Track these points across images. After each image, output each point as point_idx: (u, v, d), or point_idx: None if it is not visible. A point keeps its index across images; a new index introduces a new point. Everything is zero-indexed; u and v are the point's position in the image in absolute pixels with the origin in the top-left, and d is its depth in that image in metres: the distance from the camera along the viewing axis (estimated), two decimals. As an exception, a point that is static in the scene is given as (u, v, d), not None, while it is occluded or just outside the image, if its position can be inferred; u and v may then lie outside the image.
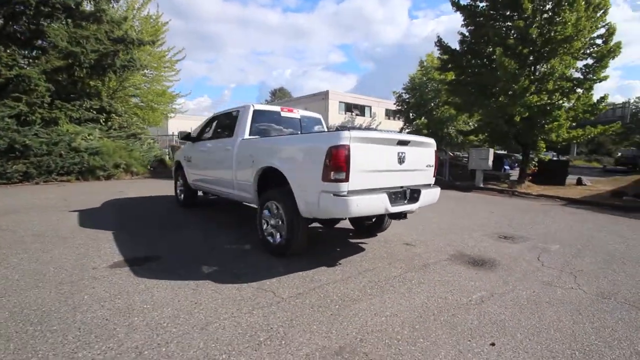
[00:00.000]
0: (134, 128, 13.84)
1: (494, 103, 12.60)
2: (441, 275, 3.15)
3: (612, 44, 12.14)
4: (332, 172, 2.75)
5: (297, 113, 4.84)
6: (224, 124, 4.91)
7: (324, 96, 28.76)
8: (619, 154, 33.09)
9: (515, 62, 11.47)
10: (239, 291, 2.61)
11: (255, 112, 4.32)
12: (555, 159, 20.48)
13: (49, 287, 2.56)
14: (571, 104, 12.98)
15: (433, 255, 3.76)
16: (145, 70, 16.46)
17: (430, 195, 3.60)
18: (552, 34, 11.61)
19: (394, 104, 27.53)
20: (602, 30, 12.33)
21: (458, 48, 14.12)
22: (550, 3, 11.91)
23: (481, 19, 13.22)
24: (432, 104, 24.42)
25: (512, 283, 3.05)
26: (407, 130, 25.64)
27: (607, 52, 11.93)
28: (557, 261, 3.75)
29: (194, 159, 5.49)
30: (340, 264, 3.35)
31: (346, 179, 2.76)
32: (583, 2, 11.15)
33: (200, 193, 6.04)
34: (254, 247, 3.76)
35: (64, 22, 10.30)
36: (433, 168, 3.77)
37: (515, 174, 15.26)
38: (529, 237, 4.83)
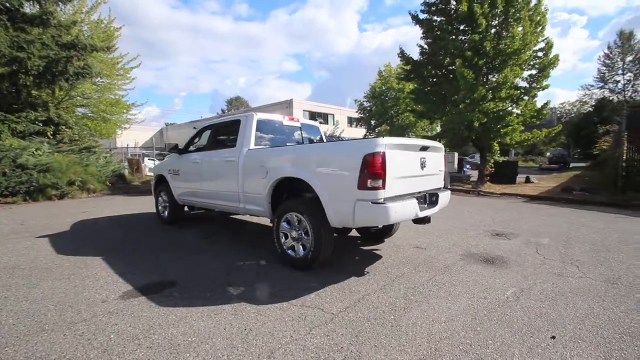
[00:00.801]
0: (87, 141, 12.59)
1: (455, 110, 13.49)
2: (467, 276, 3.23)
3: (551, 56, 13.64)
4: (369, 180, 2.70)
5: (298, 122, 4.73)
6: (222, 135, 4.63)
7: (287, 104, 28.69)
8: (549, 154, 37.25)
9: (473, 72, 12.45)
10: (283, 311, 2.43)
11: (259, 121, 4.15)
12: (506, 160, 22.43)
13: (60, 330, 2.17)
14: (519, 110, 14.33)
15: (447, 257, 3.85)
16: (96, 79, 15.16)
17: (445, 198, 3.70)
18: (502, 47, 12.80)
19: (356, 111, 28.37)
20: (542, 44, 13.83)
21: (419, 59, 14.99)
22: (498, 19, 13.13)
23: (438, 32, 14.16)
24: (392, 112, 25.55)
25: (530, 278, 3.22)
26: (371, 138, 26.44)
27: (548, 64, 13.38)
28: (554, 253, 4.05)
29: (183, 172, 5.11)
30: (367, 272, 3.29)
31: (383, 187, 2.74)
32: (528, 19, 12.47)
33: (185, 208, 5.62)
34: (270, 262, 3.56)
35: (3, 25, 9.11)
36: (443, 172, 3.89)
37: (473, 174, 16.40)
38: (517, 233, 5.17)
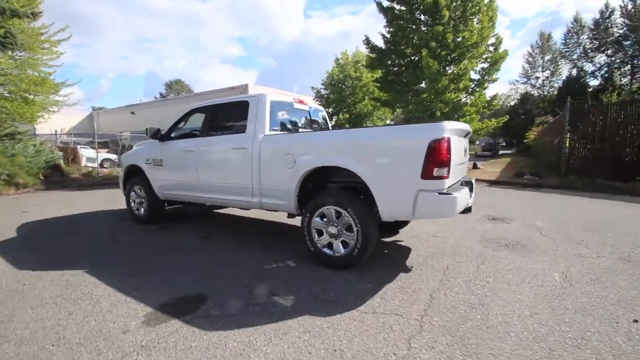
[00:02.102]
0: (7, 126, 10.46)
1: (418, 100, 13.90)
2: (505, 264, 3.19)
3: (501, 50, 14.64)
4: (435, 168, 2.45)
5: (307, 105, 4.28)
6: (223, 119, 3.99)
7: (242, 90, 27.07)
8: (478, 142, 41.02)
9: (437, 63, 12.87)
10: (360, 322, 2.10)
11: (272, 104, 3.63)
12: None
13: (86, 380, 1.58)
14: (472, 101, 15.29)
15: (471, 245, 3.82)
16: (14, 52, 12.59)
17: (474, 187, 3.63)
18: (461, 40, 13.41)
19: (313, 99, 27.99)
20: (493, 40, 14.77)
21: (383, 48, 15.07)
22: (457, 12, 13.67)
23: (402, 22, 14.33)
24: (350, 100, 25.69)
25: (559, 261, 3.30)
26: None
27: (499, 57, 14.36)
28: (557, 235, 4.26)
29: (169, 162, 4.35)
30: (411, 267, 3.08)
31: (448, 175, 2.51)
32: (485, 14, 13.16)
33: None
34: (300, 262, 3.16)
35: None
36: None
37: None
38: (510, 217, 5.40)
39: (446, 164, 2.48)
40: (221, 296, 2.46)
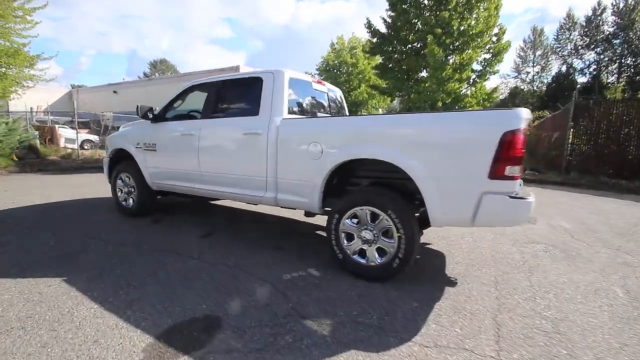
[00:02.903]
0: (-25, 101, 9.44)
1: (420, 88, 13.44)
2: (556, 275, 2.82)
3: (504, 41, 14.26)
4: (507, 167, 2.00)
5: (325, 86, 3.74)
6: (229, 98, 3.42)
7: (234, 70, 25.97)
8: None
9: (442, 50, 12.38)
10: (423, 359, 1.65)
11: (291, 81, 3.08)
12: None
13: None
14: (473, 93, 14.96)
15: (508, 250, 3.44)
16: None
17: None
18: (465, 28, 12.94)
19: (306, 85, 27.16)
20: (496, 30, 14.35)
21: (385, 33, 14.44)
22: (464, -1, 13.11)
23: (405, 5, 13.71)
24: (345, 87, 25.03)
25: (610, 272, 2.95)
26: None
27: (502, 48, 13.98)
28: (590, 239, 3.92)
29: (164, 146, 3.75)
30: (455, 279, 2.66)
31: (520, 175, 2.07)
32: (492, 1, 12.67)
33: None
34: (324, 269, 2.69)
35: None
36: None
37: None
38: (532, 215, 5.07)
39: (520, 161, 2.04)
40: (239, 319, 1.97)
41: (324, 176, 2.62)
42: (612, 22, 36.18)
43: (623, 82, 34.81)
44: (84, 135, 17.38)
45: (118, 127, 5.34)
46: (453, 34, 12.92)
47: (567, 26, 42.07)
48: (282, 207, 3.04)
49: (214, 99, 3.44)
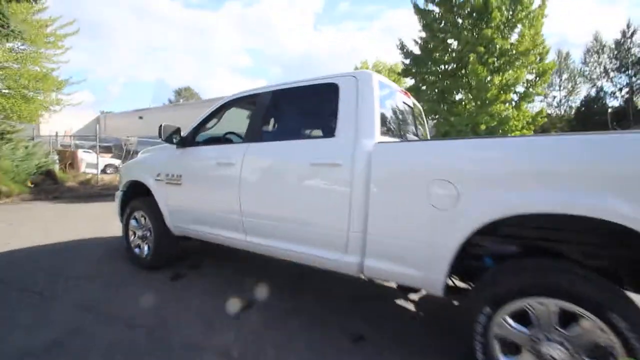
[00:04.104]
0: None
1: (460, 111, 12.43)
2: None
3: (548, 61, 13.24)
4: None
5: (410, 99, 2.75)
6: (290, 113, 2.49)
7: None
8: None
9: (486, 70, 11.45)
10: None
11: (381, 86, 2.10)
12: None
13: None
14: (516, 115, 13.79)
15: None
16: (14, 44, 11.38)
17: None
18: (508, 47, 12.02)
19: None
20: (540, 49, 13.38)
21: (418, 55, 13.73)
22: (506, 15, 12.31)
23: (441, 25, 13.03)
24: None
25: None
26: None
27: (548, 68, 12.93)
28: None
29: (191, 179, 2.81)
30: None
31: None
32: (540, 17, 11.77)
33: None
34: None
35: None
36: None
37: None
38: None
39: None
40: None
41: (459, 238, 1.55)
42: (644, 44, 34.77)
43: (661, 104, 32.89)
44: (107, 159, 17.15)
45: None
46: (495, 53, 12.03)
47: (595, 49, 40.82)
48: (372, 278, 1.96)
49: (264, 117, 2.50)
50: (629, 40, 35.89)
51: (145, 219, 3.23)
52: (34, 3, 9.74)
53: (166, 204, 3.00)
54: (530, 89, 13.40)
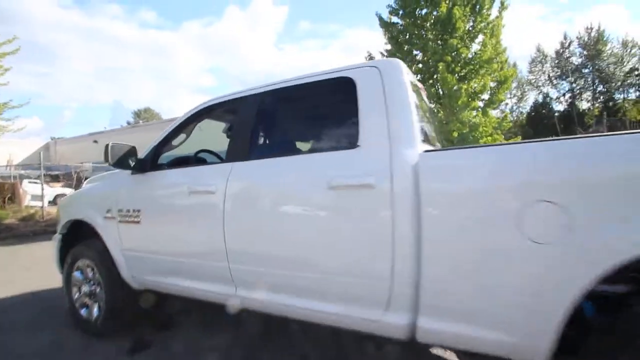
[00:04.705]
0: None
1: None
2: None
3: (508, 68, 13.80)
4: None
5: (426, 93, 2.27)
6: (289, 120, 1.90)
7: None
8: None
9: (455, 78, 11.61)
10: None
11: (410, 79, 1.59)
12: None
13: None
14: (484, 121, 14.12)
15: None
16: None
17: None
18: (474, 55, 12.37)
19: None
20: (502, 57, 13.90)
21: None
22: (467, 26, 12.70)
23: (407, 36, 13.22)
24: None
25: None
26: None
27: (509, 75, 13.42)
28: None
29: (154, 213, 2.11)
30: None
31: None
32: (499, 27, 12.24)
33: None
34: None
35: None
36: None
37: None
38: None
39: None
40: None
41: (579, 287, 1.02)
42: (579, 54, 38.43)
43: (599, 108, 36.16)
44: (57, 189, 15.42)
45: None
46: (460, 62, 12.30)
47: (539, 59, 44.32)
48: (428, 343, 1.38)
49: (252, 127, 1.88)
50: (567, 50, 39.37)
51: (93, 270, 2.45)
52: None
53: (121, 249, 2.26)
54: (494, 96, 13.84)
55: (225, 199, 1.76)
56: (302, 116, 1.89)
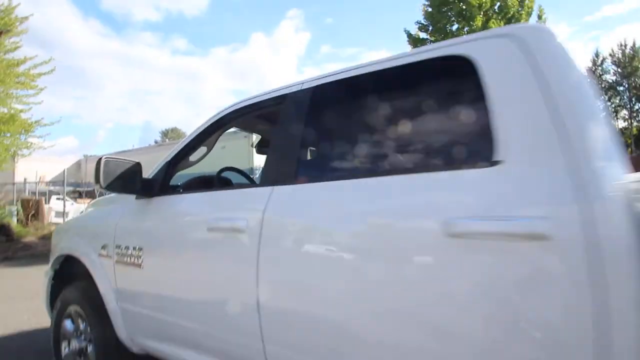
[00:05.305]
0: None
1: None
2: None
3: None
4: None
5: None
6: (362, 122, 1.29)
7: (246, 134, 25.04)
8: None
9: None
10: None
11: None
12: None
13: None
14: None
15: None
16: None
17: None
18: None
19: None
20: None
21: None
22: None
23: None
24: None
25: None
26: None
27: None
28: None
29: (161, 253, 1.54)
30: None
31: None
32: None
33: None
34: None
35: None
36: None
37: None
38: None
39: None
40: None
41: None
42: (613, 71, 37.00)
43: (638, 127, 34.42)
44: (82, 206, 15.53)
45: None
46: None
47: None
48: None
49: (303, 135, 1.25)
50: (599, 68, 37.80)
51: (83, 320, 1.88)
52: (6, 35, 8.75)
53: (116, 297, 1.69)
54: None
55: (260, 241, 1.16)
56: (382, 117, 1.25)
